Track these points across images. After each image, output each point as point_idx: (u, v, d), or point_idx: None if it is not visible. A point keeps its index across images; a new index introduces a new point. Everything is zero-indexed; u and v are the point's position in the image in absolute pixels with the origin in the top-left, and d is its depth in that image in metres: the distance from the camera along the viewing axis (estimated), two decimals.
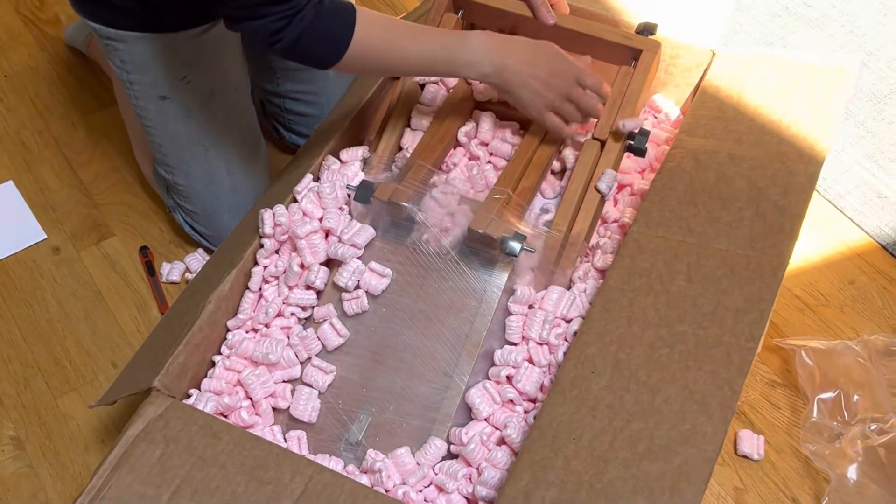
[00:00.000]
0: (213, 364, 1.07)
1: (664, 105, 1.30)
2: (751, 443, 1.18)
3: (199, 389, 1.04)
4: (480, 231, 1.02)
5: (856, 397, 1.15)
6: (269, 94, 1.46)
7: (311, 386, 1.04)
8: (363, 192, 1.09)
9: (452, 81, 1.24)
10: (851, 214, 1.42)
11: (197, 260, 1.40)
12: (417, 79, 1.24)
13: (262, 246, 1.11)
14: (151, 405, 0.94)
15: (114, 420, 1.25)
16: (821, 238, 1.39)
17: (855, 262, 1.37)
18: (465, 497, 0.96)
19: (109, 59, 1.21)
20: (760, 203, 1.04)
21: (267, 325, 1.09)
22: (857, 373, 1.16)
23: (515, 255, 1.02)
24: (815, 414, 1.15)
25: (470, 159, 1.20)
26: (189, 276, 1.39)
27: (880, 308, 1.31)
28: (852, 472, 1.10)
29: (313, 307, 1.09)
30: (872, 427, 1.12)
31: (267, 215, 1.11)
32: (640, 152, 1.13)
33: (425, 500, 0.97)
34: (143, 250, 1.42)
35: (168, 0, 1.13)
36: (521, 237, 1.02)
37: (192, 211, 1.36)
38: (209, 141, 1.29)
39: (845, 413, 1.14)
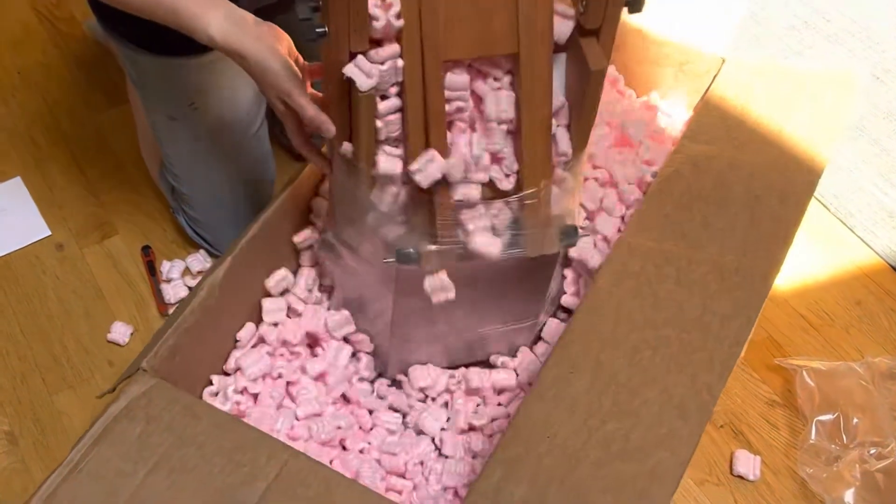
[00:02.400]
0: (210, 382, 1.08)
1: (673, 110, 1.30)
2: (747, 463, 1.15)
3: (193, 373, 1.06)
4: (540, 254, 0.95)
5: (855, 420, 1.12)
6: None
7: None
8: (407, 258, 0.93)
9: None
10: (861, 233, 1.39)
11: (198, 261, 1.40)
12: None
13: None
14: (136, 383, 0.94)
15: None
16: (829, 256, 1.37)
17: (863, 281, 1.34)
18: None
19: (126, 70, 1.22)
20: (756, 210, 1.04)
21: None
22: (859, 395, 1.14)
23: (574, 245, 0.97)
24: (813, 436, 1.13)
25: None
26: (189, 276, 1.39)
27: (887, 330, 1.29)
28: (849, 497, 1.08)
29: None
30: (871, 451, 1.09)
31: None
32: (637, 4, 0.89)
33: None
34: (146, 250, 1.42)
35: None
36: (571, 228, 0.95)
37: (196, 218, 1.36)
38: (217, 163, 1.28)
39: (844, 436, 1.12)
